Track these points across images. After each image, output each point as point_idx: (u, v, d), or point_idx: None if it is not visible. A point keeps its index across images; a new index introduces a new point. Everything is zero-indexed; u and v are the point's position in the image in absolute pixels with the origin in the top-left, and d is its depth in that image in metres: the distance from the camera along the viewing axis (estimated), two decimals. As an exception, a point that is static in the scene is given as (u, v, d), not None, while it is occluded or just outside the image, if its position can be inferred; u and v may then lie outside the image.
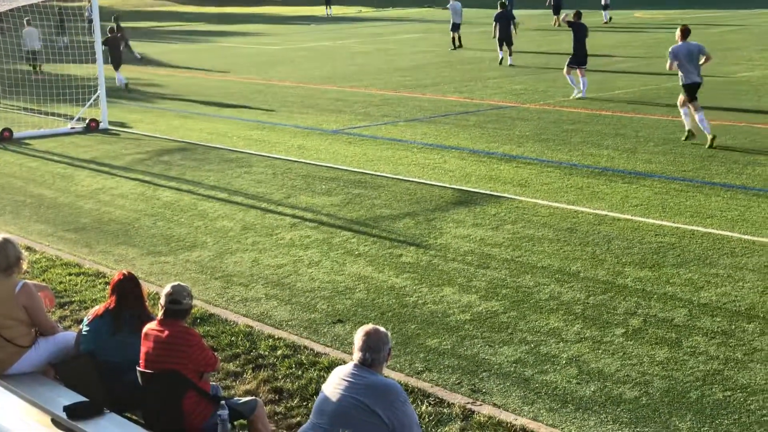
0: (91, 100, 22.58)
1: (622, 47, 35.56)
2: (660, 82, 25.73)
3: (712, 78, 25.82)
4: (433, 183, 15.30)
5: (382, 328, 5.74)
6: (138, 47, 39.89)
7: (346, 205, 14.15)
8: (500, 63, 31.68)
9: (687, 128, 17.63)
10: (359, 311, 9.87)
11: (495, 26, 32.33)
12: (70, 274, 11.32)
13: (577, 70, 23.80)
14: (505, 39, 31.89)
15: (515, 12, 39.83)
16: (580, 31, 24.09)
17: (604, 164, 16.13)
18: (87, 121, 22.10)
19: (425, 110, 22.94)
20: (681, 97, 17.68)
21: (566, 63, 24.13)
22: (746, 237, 11.70)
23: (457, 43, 38.08)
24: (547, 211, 13.32)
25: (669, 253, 11.23)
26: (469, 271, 10.89)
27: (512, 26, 32.25)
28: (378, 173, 16.18)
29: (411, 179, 15.61)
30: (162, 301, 6.62)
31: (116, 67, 28.97)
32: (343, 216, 13.58)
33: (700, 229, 12.11)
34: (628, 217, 12.84)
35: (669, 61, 17.44)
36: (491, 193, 14.50)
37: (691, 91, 17.33)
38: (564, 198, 13.99)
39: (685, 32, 17.44)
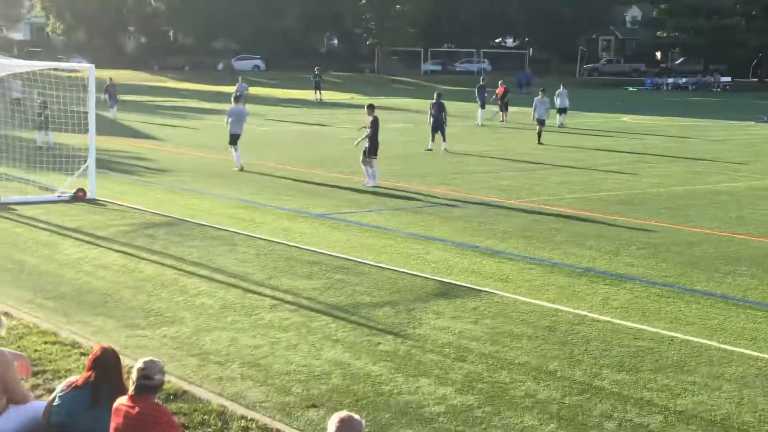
0: (81, 170, 22.64)
1: (610, 150, 35.94)
2: (645, 186, 25.98)
3: (696, 187, 26.12)
4: (415, 273, 15.32)
5: (356, 416, 5.72)
6: (128, 120, 40.03)
7: (327, 290, 14.15)
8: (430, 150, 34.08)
9: None
10: (334, 397, 9.82)
11: (429, 114, 34.87)
12: (46, 343, 11.24)
13: (372, 160, 25.05)
14: (439, 127, 34.16)
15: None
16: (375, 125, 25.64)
17: (586, 264, 16.21)
18: (75, 190, 22.13)
19: (411, 200, 23.08)
20: None
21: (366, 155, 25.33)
22: (724, 346, 11.73)
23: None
24: (527, 308, 13.34)
25: (647, 357, 11.24)
26: (446, 363, 10.87)
27: (444, 115, 34.39)
28: (361, 260, 16.20)
29: (393, 268, 15.64)
30: (134, 375, 6.58)
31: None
32: (323, 300, 13.57)
33: (678, 335, 12.14)
34: (608, 319, 12.87)
35: None
36: (472, 286, 14.53)
37: None
38: (545, 296, 14.03)
39: None
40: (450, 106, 39.31)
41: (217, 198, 22.89)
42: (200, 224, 19.28)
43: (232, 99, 30.82)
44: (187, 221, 19.64)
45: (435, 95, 35.23)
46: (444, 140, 34.21)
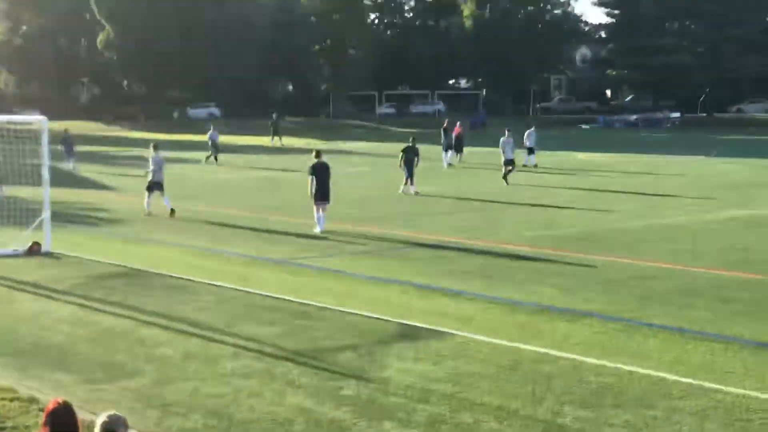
0: (36, 223, 22.47)
1: (567, 187, 36.25)
2: (603, 223, 26.23)
3: (652, 222, 26.41)
4: (376, 316, 15.34)
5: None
6: (84, 171, 39.86)
7: (288, 336, 14.13)
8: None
9: None
10: (298, 444, 9.78)
11: (401, 159, 35.09)
12: (3, 399, 11.10)
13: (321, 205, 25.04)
14: (410, 171, 34.64)
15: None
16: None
17: (546, 302, 16.31)
18: (30, 244, 21.94)
19: (371, 243, 23.13)
20: None
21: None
22: (684, 380, 11.83)
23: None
24: (489, 348, 13.39)
25: (608, 393, 11.32)
26: (410, 406, 10.88)
27: (416, 159, 34.90)
28: (322, 305, 16.20)
29: (355, 312, 15.65)
30: (97, 430, 6.50)
31: None
32: (285, 347, 13.55)
33: (639, 370, 12.24)
34: (569, 355, 12.95)
35: None
36: (434, 327, 14.56)
37: None
38: (506, 335, 14.09)
39: None
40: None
41: (175, 247, 22.81)
42: (159, 274, 19.19)
43: (152, 147, 30.89)
44: (146, 271, 19.54)
45: (411, 139, 35.61)
46: (413, 183, 34.35)
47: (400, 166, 35.00)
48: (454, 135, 49.26)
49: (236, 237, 24.23)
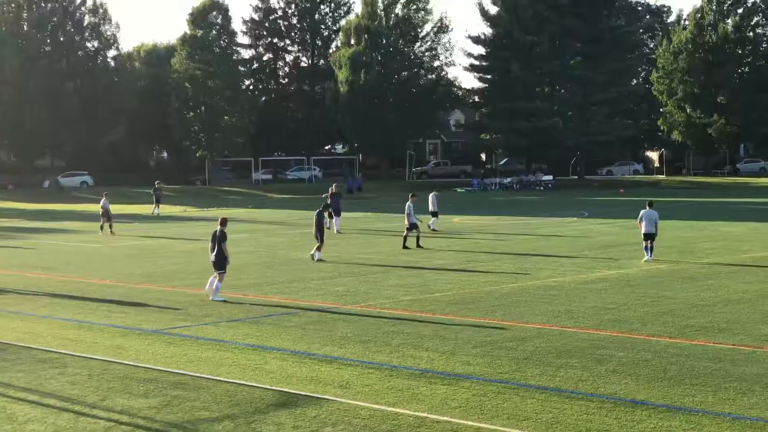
0: None
1: (442, 250, 36.59)
2: (478, 285, 26.52)
3: (527, 283, 26.82)
4: (253, 384, 15.15)
5: None
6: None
7: (164, 408, 13.82)
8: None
9: None
10: None
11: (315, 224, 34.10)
12: None
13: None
14: (320, 234, 33.99)
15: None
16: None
17: (424, 366, 16.35)
18: None
19: (247, 311, 22.89)
20: None
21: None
22: (560, 439, 11.95)
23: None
24: (368, 413, 13.33)
25: (487, 455, 11.35)
26: (289, 476, 10.72)
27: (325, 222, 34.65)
28: (198, 374, 15.93)
29: (231, 381, 15.43)
30: None
31: None
32: (160, 419, 13.25)
33: (516, 431, 12.31)
34: (448, 419, 12.97)
35: None
36: (312, 394, 14.45)
37: None
38: (384, 400, 14.06)
39: None
40: (281, 213, 39.41)
41: (46, 319, 22.18)
42: (28, 347, 18.62)
43: None
44: (14, 345, 18.94)
45: (322, 206, 35.74)
46: (320, 250, 33.71)
47: (314, 232, 34.04)
48: (328, 198, 49.40)
49: (110, 308, 23.70)
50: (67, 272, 31.62)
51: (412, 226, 38.16)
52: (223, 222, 25.66)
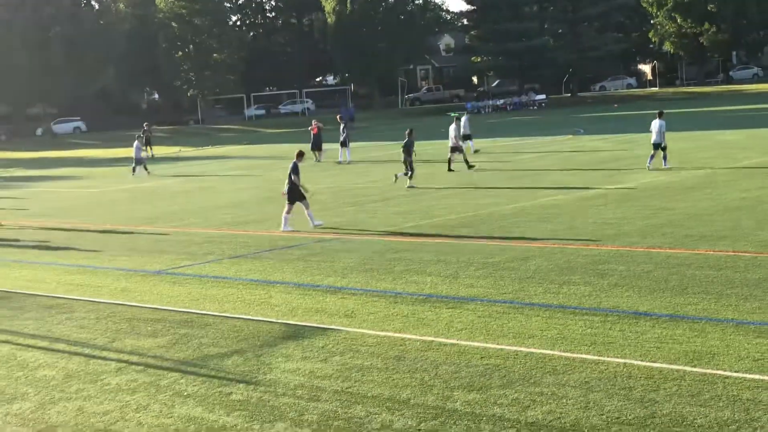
0: None
1: (444, 176, 36.60)
2: (477, 208, 26.57)
3: (527, 203, 26.87)
4: (259, 319, 15.26)
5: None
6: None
7: (172, 346, 13.94)
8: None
9: None
10: (190, 454, 9.67)
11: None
12: None
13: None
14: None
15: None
16: None
17: (428, 291, 16.45)
18: None
19: (249, 246, 22.96)
20: None
21: None
22: (566, 354, 12.08)
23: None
24: (375, 341, 13.45)
25: (495, 374, 11.48)
26: (300, 405, 10.85)
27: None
28: (204, 312, 16.04)
29: (238, 316, 15.53)
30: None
31: None
32: (170, 357, 13.37)
33: (523, 349, 12.44)
34: (454, 341, 13.09)
35: None
36: (318, 325, 14.56)
37: None
38: (390, 326, 14.17)
39: None
40: (278, 148, 39.29)
41: (49, 266, 22.26)
42: (34, 295, 18.72)
43: None
44: (20, 293, 19.03)
45: (408, 133, 34.48)
46: (411, 178, 33.41)
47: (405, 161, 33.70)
48: (313, 132, 49.31)
49: (112, 251, 23.77)
50: (67, 218, 31.67)
51: (455, 149, 38.27)
52: (300, 155, 25.60)
